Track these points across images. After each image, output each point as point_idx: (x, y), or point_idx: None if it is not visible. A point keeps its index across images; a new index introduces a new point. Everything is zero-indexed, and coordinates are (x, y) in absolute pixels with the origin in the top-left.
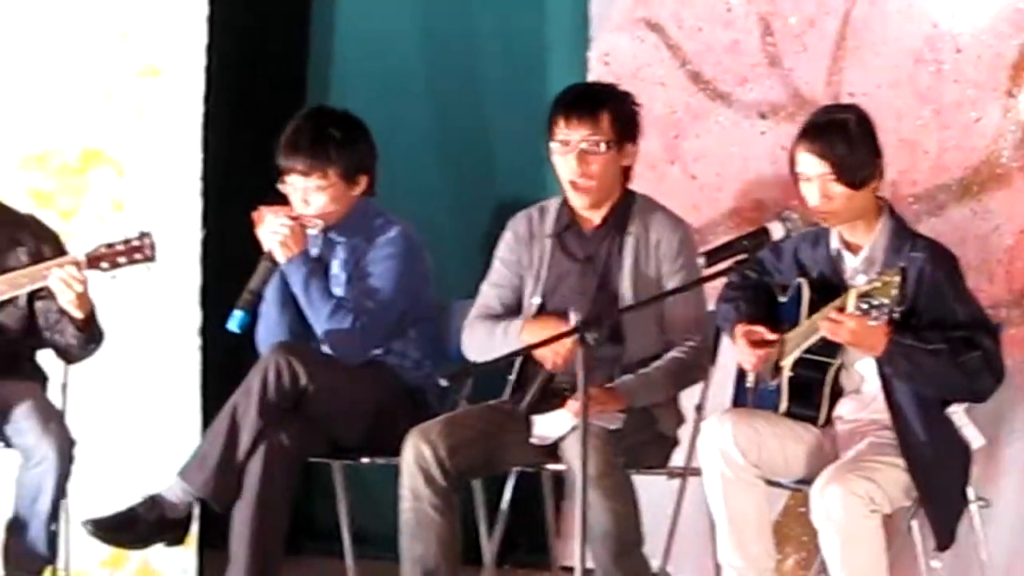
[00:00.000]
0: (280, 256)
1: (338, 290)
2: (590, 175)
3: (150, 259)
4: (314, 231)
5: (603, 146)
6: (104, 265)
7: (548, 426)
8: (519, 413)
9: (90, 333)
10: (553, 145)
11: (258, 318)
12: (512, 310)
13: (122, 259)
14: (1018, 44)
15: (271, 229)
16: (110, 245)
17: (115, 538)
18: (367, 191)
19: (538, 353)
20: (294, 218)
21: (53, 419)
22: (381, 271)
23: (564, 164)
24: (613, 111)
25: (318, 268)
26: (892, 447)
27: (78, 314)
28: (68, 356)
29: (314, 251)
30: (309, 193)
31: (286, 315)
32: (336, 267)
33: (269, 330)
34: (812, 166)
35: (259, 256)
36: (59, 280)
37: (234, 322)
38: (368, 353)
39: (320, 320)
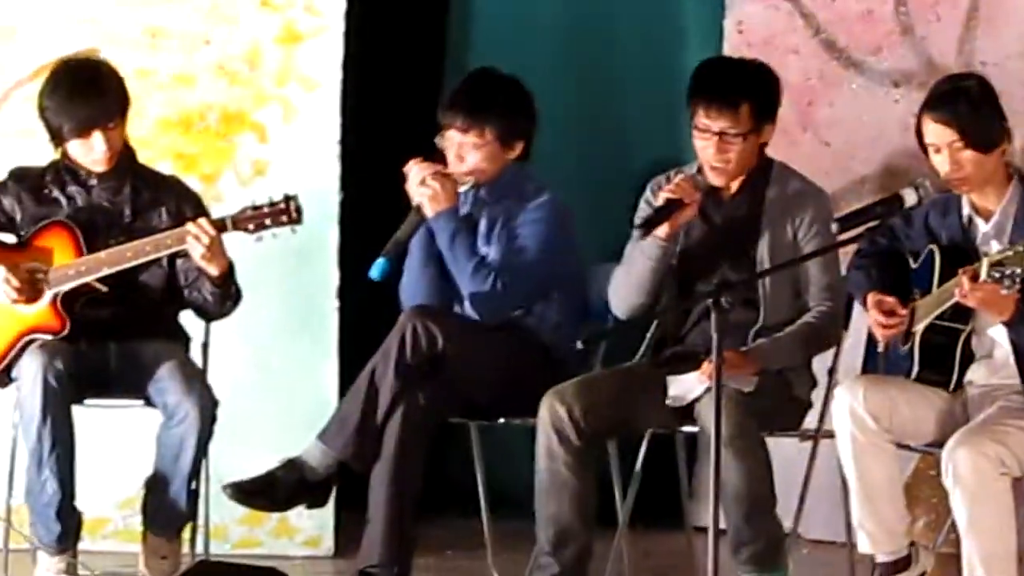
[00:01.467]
0: (429, 210)
1: (484, 249)
2: (728, 161)
3: (295, 222)
4: (465, 187)
5: (741, 136)
6: (250, 227)
7: (683, 387)
8: (653, 373)
9: (226, 290)
10: (694, 129)
11: (402, 271)
12: None
13: (268, 221)
14: None
15: (422, 183)
16: (256, 207)
17: (255, 502)
18: (521, 156)
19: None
20: (446, 174)
21: (196, 378)
22: (529, 233)
23: (704, 148)
24: (753, 101)
25: (465, 226)
26: (1023, 411)
27: (212, 270)
28: (206, 314)
29: (464, 209)
30: (464, 149)
31: (429, 270)
32: (484, 226)
33: (411, 284)
34: (940, 135)
35: (393, 218)
36: (191, 236)
37: (376, 270)
38: (508, 313)
39: (463, 277)
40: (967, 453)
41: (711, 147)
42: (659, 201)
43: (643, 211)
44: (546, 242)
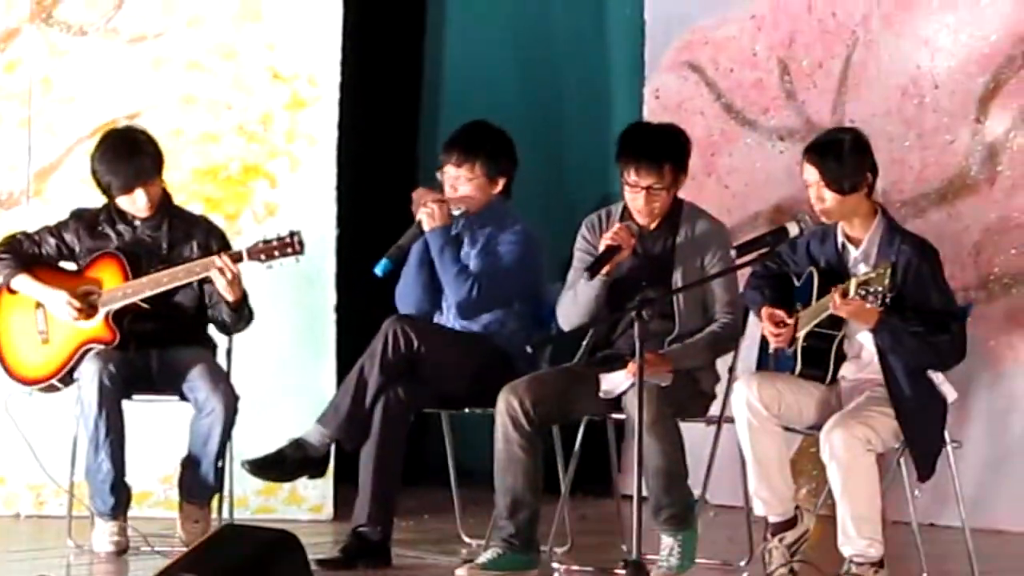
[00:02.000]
0: (426, 225)
1: (467, 261)
2: (653, 209)
3: (299, 253)
4: (458, 212)
5: (665, 190)
6: (262, 257)
7: (612, 383)
8: (589, 371)
9: (240, 313)
10: (625, 184)
11: (399, 274)
12: None
13: (276, 252)
14: (984, 81)
15: (423, 204)
16: (267, 241)
17: (267, 474)
18: (503, 192)
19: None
20: (443, 200)
21: (221, 379)
22: (505, 251)
23: (634, 200)
24: (672, 161)
25: (454, 242)
26: (885, 400)
27: (229, 297)
28: (225, 330)
29: (454, 230)
30: (458, 180)
31: (422, 274)
32: (468, 244)
33: (406, 287)
34: (810, 174)
35: (380, 249)
36: (216, 269)
37: (379, 267)
38: (481, 312)
39: (448, 280)
40: (840, 434)
41: (640, 199)
42: (601, 247)
43: (581, 246)
44: (517, 261)
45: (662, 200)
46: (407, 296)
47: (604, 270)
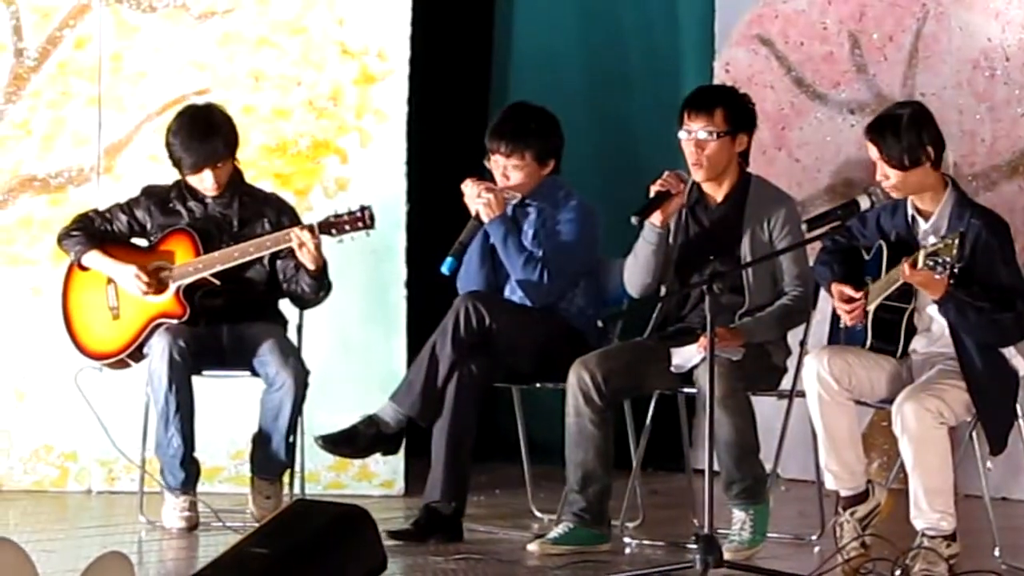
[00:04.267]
0: (484, 217)
1: (530, 246)
2: (704, 157)
3: (370, 227)
4: (513, 201)
5: (716, 135)
6: (332, 232)
7: (683, 357)
8: (660, 345)
9: (320, 282)
10: (680, 134)
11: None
12: None
13: (347, 227)
14: None
15: (477, 196)
16: (338, 216)
17: (340, 450)
18: (554, 170)
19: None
20: (497, 189)
21: (292, 354)
22: (567, 231)
23: (686, 148)
24: (726, 107)
25: (514, 227)
26: (956, 373)
27: (312, 266)
28: (303, 302)
29: (509, 212)
30: (508, 170)
31: (485, 266)
32: (527, 226)
33: (469, 276)
34: (872, 152)
35: (450, 224)
36: (298, 238)
37: (445, 266)
38: (554, 296)
39: (515, 268)
40: (912, 407)
41: (691, 145)
42: (652, 193)
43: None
44: (579, 237)
45: (714, 149)
46: (469, 285)
47: (657, 219)
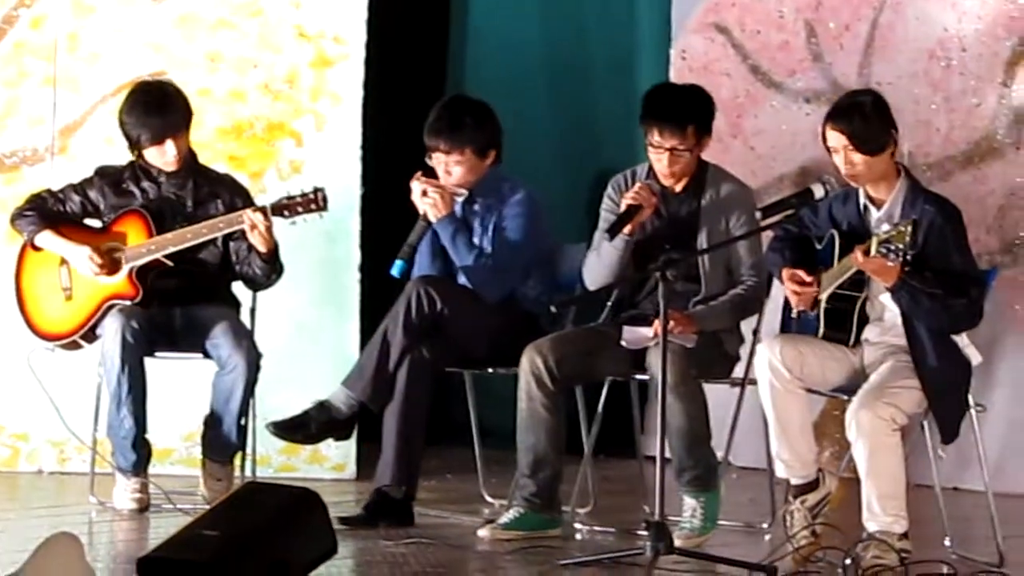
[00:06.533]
0: (432, 216)
1: (476, 239)
2: (677, 171)
3: (323, 209)
4: (460, 199)
5: (688, 151)
6: (285, 213)
7: (635, 334)
8: (613, 331)
9: (272, 265)
10: (649, 145)
11: (413, 267)
12: None
13: (300, 208)
14: (1011, 44)
15: (423, 195)
16: (291, 197)
17: (292, 437)
18: (495, 161)
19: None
20: (443, 188)
21: (244, 336)
22: (513, 226)
23: (658, 161)
24: (696, 122)
25: (462, 225)
26: (909, 369)
27: (263, 248)
28: (255, 284)
29: (457, 211)
30: (450, 166)
31: (436, 265)
32: (475, 222)
33: (421, 273)
34: (837, 140)
35: (405, 208)
36: (250, 220)
37: (395, 269)
38: (505, 291)
39: (465, 265)
40: (866, 415)
41: (664, 160)
42: (623, 207)
43: (607, 206)
44: (527, 231)
45: (685, 162)
46: None
47: (626, 230)
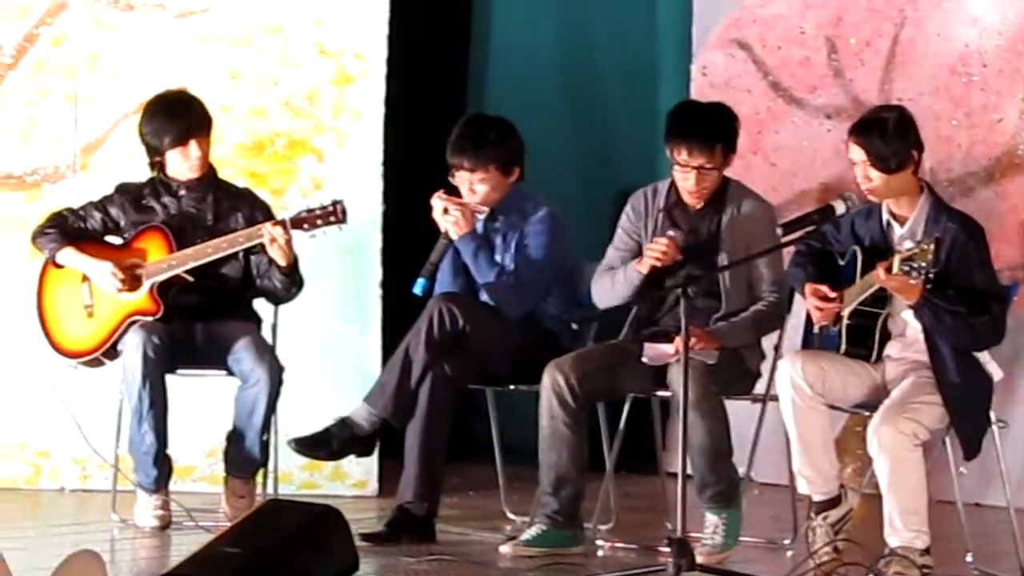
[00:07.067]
0: (454, 234)
1: (498, 257)
2: (704, 189)
3: (341, 221)
4: (482, 217)
5: (716, 170)
6: (305, 226)
7: (657, 351)
8: (634, 347)
9: (292, 279)
10: (676, 164)
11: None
12: None
13: (319, 221)
14: None
15: (445, 212)
16: (310, 210)
17: (314, 453)
18: (519, 178)
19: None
20: (464, 205)
21: (267, 351)
22: (536, 244)
23: (683, 180)
24: (724, 140)
25: (484, 242)
26: (931, 384)
27: (283, 262)
28: (275, 298)
29: (479, 228)
30: (474, 184)
31: (458, 282)
32: (497, 240)
33: (443, 289)
34: (856, 154)
35: (426, 225)
36: (269, 234)
37: (418, 287)
38: (527, 309)
39: (487, 282)
40: (888, 430)
41: (691, 179)
42: (645, 267)
43: (624, 223)
44: (549, 249)
45: (712, 180)
46: None
47: (644, 268)
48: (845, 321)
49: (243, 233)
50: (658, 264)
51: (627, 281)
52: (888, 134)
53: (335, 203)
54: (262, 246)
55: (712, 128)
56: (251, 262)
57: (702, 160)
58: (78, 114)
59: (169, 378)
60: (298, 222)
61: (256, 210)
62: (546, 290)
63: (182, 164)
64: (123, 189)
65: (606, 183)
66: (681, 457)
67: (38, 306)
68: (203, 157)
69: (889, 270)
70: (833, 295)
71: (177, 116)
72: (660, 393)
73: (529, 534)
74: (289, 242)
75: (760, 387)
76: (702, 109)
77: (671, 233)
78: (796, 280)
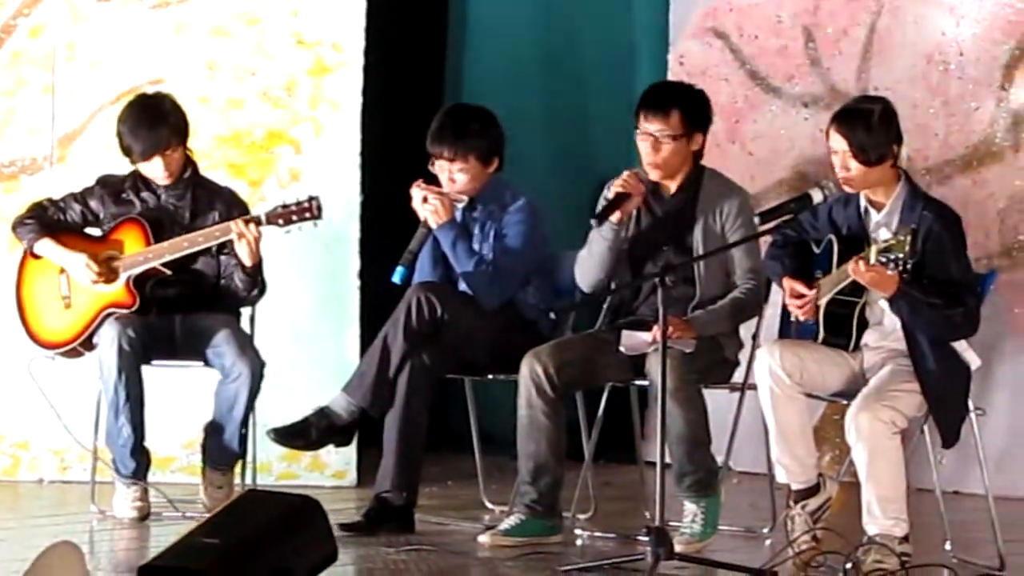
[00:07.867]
0: (433, 223)
1: (476, 246)
2: (660, 159)
3: (317, 217)
4: (461, 205)
5: (672, 137)
6: (280, 222)
7: (634, 339)
8: (612, 336)
9: (253, 281)
10: (637, 133)
11: (414, 273)
12: None
13: (295, 217)
14: (1009, 48)
15: (424, 201)
16: (285, 206)
17: (292, 443)
18: (498, 169)
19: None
20: (443, 194)
21: (247, 344)
22: (514, 233)
23: (642, 148)
24: (682, 108)
25: (463, 231)
26: (908, 372)
27: (248, 261)
28: (236, 300)
29: (458, 217)
30: (454, 174)
31: (437, 271)
32: (476, 229)
33: (422, 279)
34: (837, 143)
35: (404, 215)
36: (238, 229)
37: (396, 276)
38: (504, 298)
39: (465, 271)
40: (866, 418)
41: (648, 146)
42: (610, 194)
43: (601, 205)
44: (527, 239)
45: (670, 150)
46: None
47: (614, 217)
48: (822, 310)
49: (219, 227)
50: (622, 190)
51: (599, 239)
52: (872, 126)
53: (311, 199)
54: (231, 243)
55: (670, 95)
56: (221, 262)
57: (658, 125)
58: (55, 105)
59: (146, 369)
60: (273, 218)
61: (232, 208)
62: (524, 280)
63: (152, 173)
64: (104, 182)
65: (583, 173)
66: (660, 446)
67: (16, 297)
68: (171, 169)
69: (866, 261)
70: (810, 293)
71: (145, 130)
72: (638, 382)
73: (508, 523)
74: (258, 241)
75: (738, 376)
76: (667, 82)
77: (632, 170)
78: (773, 273)
